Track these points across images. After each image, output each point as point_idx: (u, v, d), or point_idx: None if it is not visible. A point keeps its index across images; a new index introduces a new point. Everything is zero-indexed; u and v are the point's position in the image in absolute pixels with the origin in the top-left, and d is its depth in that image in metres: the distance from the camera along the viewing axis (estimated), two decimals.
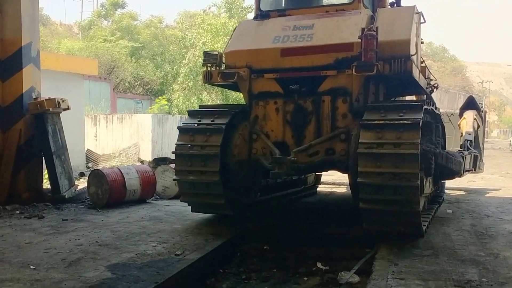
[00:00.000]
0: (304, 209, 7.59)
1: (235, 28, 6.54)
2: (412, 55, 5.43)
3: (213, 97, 26.03)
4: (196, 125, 5.97)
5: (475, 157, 7.98)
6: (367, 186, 4.90)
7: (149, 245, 5.18)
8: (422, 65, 7.10)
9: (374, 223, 5.15)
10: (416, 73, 5.81)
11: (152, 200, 8.32)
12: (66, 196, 7.90)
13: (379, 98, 6.04)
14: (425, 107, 5.36)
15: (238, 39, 6.20)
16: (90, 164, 15.82)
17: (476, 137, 8.68)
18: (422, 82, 6.67)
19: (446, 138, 7.59)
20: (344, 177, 7.68)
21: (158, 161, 10.74)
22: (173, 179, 6.42)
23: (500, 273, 4.19)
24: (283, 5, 6.72)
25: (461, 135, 8.48)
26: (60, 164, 8.04)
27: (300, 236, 5.91)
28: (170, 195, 8.51)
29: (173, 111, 24.75)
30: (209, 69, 6.20)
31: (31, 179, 7.91)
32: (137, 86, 32.36)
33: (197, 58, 25.28)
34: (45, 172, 8.28)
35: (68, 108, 8.36)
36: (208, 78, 6.21)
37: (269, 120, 5.97)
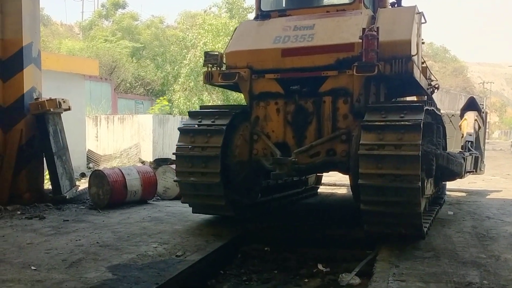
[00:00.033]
0: (305, 210, 7.58)
1: (236, 29, 6.53)
2: (413, 56, 5.43)
3: (214, 97, 26.02)
4: (196, 126, 5.96)
5: (476, 159, 7.97)
6: (368, 188, 4.89)
7: (150, 246, 5.18)
8: (423, 65, 7.09)
9: (375, 224, 5.14)
10: (417, 73, 5.80)
11: (153, 201, 8.32)
12: (67, 197, 7.90)
13: (380, 99, 6.03)
14: (426, 108, 5.35)
15: (238, 40, 6.20)
16: (91, 165, 15.82)
17: (477, 138, 8.66)
18: (423, 82, 6.66)
19: (447, 139, 7.58)
20: (345, 178, 7.67)
21: (159, 162, 10.73)
22: (174, 180, 6.42)
23: (501, 275, 4.18)
24: (284, 5, 6.72)
25: (462, 136, 8.46)
26: (61, 165, 8.05)
27: (301, 238, 5.91)
28: (171, 196, 8.50)
29: (174, 112, 24.75)
30: (209, 69, 6.19)
31: (32, 180, 7.91)
32: (138, 86, 32.35)
33: (198, 58, 25.27)
34: (46, 172, 8.28)
35: (69, 109, 8.36)
36: (208, 79, 6.21)
37: (270, 121, 5.96)
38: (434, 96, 8.07)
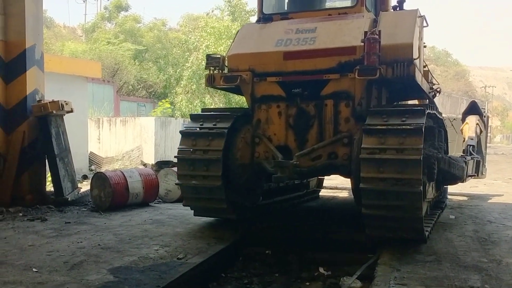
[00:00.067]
0: (306, 214, 7.57)
1: (238, 31, 6.54)
2: (415, 59, 5.43)
3: (216, 100, 26.06)
4: (198, 129, 5.97)
5: (478, 162, 7.96)
6: (369, 192, 4.88)
7: (152, 248, 5.18)
8: (425, 69, 7.10)
9: (376, 228, 5.14)
10: (418, 77, 5.80)
11: (154, 203, 8.32)
12: (69, 199, 7.92)
13: (381, 102, 6.03)
14: (428, 111, 5.35)
15: (240, 42, 6.21)
16: (93, 167, 15.84)
17: (479, 142, 8.65)
18: (425, 86, 6.66)
19: (449, 143, 7.58)
20: (346, 182, 7.66)
21: (161, 164, 10.74)
22: (176, 184, 6.42)
23: (503, 280, 4.17)
24: (286, 9, 6.72)
25: (464, 140, 8.46)
26: (63, 167, 8.06)
27: (302, 239, 5.90)
28: (172, 198, 8.51)
29: (176, 114, 24.80)
30: (211, 72, 6.20)
31: (34, 182, 7.92)
32: (140, 89, 32.43)
33: (200, 61, 25.32)
34: (48, 174, 8.30)
35: (71, 111, 8.38)
36: (210, 82, 6.21)
37: (272, 124, 5.96)
38: (436, 99, 8.06)
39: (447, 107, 49.73)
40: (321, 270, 5.27)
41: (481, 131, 8.81)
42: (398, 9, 6.77)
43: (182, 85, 27.18)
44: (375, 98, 5.84)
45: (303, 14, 6.26)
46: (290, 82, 5.77)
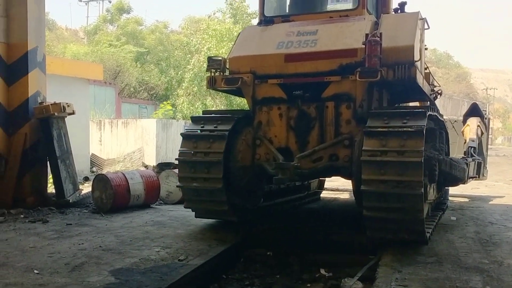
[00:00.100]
0: (307, 215, 7.57)
1: (239, 34, 6.56)
2: (416, 61, 5.43)
3: (218, 102, 26.09)
4: (199, 131, 5.98)
5: (479, 164, 7.96)
6: (370, 194, 4.89)
7: (153, 250, 5.19)
8: (426, 71, 7.10)
9: (377, 230, 5.14)
10: (420, 79, 5.81)
11: (156, 205, 8.33)
12: (70, 201, 7.93)
13: (382, 104, 6.04)
14: (429, 113, 5.35)
15: (242, 45, 6.22)
16: (94, 169, 15.86)
17: (480, 144, 8.65)
18: (426, 88, 6.66)
19: (450, 145, 7.58)
20: (347, 183, 7.67)
21: (162, 166, 10.72)
22: (177, 186, 6.42)
23: (505, 281, 4.17)
24: (287, 11, 6.74)
25: (465, 142, 8.46)
26: (64, 169, 8.08)
27: (303, 241, 5.90)
28: (174, 200, 8.51)
29: (178, 116, 24.82)
30: (213, 74, 6.21)
31: (36, 183, 7.94)
32: (142, 91, 32.47)
33: (201, 63, 25.35)
34: (50, 176, 8.31)
35: (73, 113, 8.39)
36: (212, 84, 6.22)
37: (273, 126, 5.97)
38: (437, 102, 8.06)
39: (448, 109, 49.71)
40: (322, 271, 5.27)
41: (482, 133, 8.82)
42: (399, 11, 6.78)
43: (183, 87, 27.22)
44: (376, 100, 5.84)
45: (305, 16, 6.27)
46: (291, 84, 5.78)
